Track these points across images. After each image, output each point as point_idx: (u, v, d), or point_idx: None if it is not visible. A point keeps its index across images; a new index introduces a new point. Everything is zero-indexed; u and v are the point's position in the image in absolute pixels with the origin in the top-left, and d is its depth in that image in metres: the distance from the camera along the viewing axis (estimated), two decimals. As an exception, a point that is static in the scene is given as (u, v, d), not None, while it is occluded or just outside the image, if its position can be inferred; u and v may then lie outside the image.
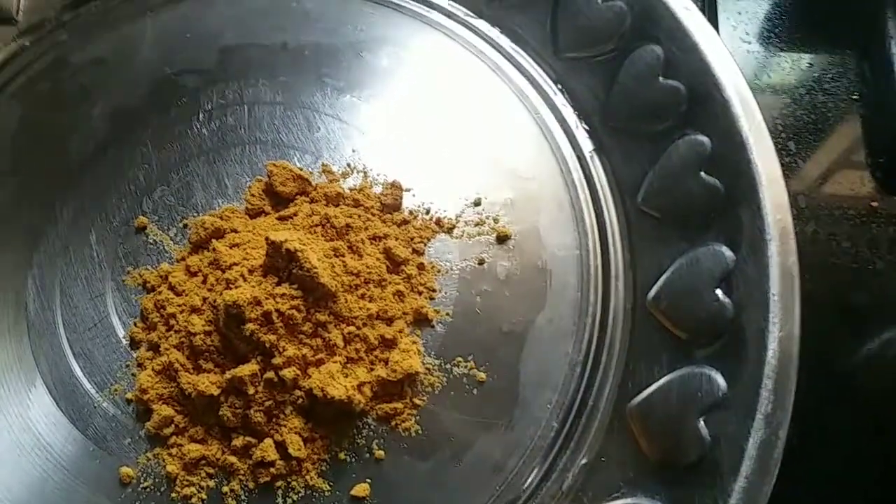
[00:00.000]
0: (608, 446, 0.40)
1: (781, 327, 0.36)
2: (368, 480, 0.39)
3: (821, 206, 0.49)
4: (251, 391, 0.39)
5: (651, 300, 0.42)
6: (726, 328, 0.38)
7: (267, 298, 0.39)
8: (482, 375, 0.42)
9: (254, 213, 0.46)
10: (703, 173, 0.41)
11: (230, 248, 0.43)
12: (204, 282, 0.43)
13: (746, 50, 0.55)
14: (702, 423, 0.37)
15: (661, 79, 0.44)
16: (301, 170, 0.46)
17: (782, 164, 0.47)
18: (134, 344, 0.43)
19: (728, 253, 0.39)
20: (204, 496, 0.39)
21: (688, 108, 0.43)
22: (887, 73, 0.51)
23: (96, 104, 0.50)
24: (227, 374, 0.39)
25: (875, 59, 0.52)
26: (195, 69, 0.51)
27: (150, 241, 0.45)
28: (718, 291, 0.39)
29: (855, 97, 0.53)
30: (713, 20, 0.54)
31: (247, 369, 0.39)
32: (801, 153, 0.50)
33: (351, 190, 0.46)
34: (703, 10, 0.53)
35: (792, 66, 0.54)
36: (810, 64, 0.53)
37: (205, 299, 0.42)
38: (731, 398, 0.36)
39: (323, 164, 0.47)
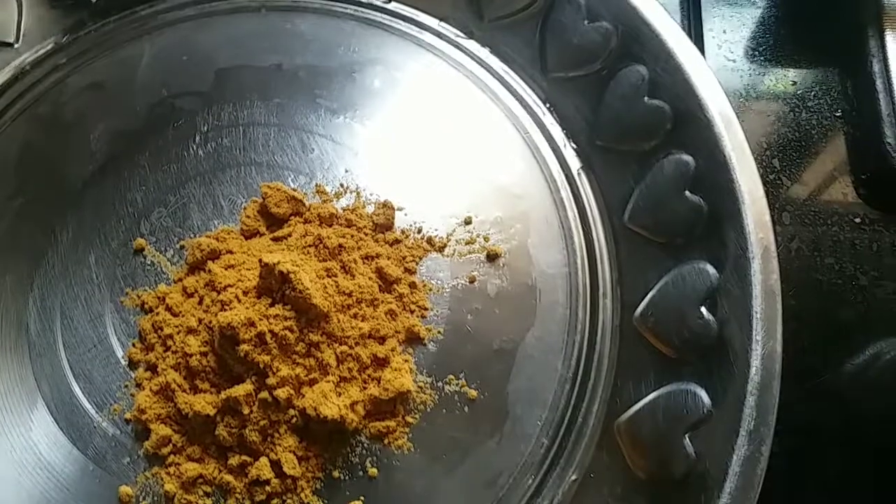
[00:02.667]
0: (597, 462, 0.41)
1: (764, 345, 0.37)
2: (362, 498, 0.40)
3: (805, 223, 0.49)
4: (246, 411, 0.40)
5: (638, 317, 0.43)
6: (711, 345, 0.39)
7: (261, 319, 0.40)
8: (473, 393, 0.42)
9: (249, 234, 0.47)
10: (687, 192, 0.42)
11: (225, 269, 0.44)
12: (200, 303, 0.44)
13: (731, 68, 0.56)
14: (687, 439, 0.37)
15: (646, 99, 0.45)
16: (295, 191, 0.47)
17: (767, 182, 0.48)
18: (132, 364, 0.44)
19: (712, 271, 0.40)
20: (201, 514, 0.40)
21: (673, 128, 0.44)
22: (870, 91, 0.51)
23: (95, 127, 0.51)
24: (223, 395, 0.40)
25: (858, 76, 0.53)
26: (191, 91, 0.52)
27: (148, 262, 0.46)
28: (703, 309, 0.40)
29: (838, 114, 0.53)
30: (698, 39, 0.55)
31: (242, 389, 0.40)
32: (785, 170, 0.51)
33: (344, 210, 0.47)
34: (688, 30, 0.55)
35: (776, 84, 0.54)
36: (794, 82, 0.54)
37: (201, 320, 0.43)
38: (716, 415, 0.37)
39: (317, 185, 0.48)
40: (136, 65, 0.53)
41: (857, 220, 0.49)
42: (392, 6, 0.55)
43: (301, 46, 0.53)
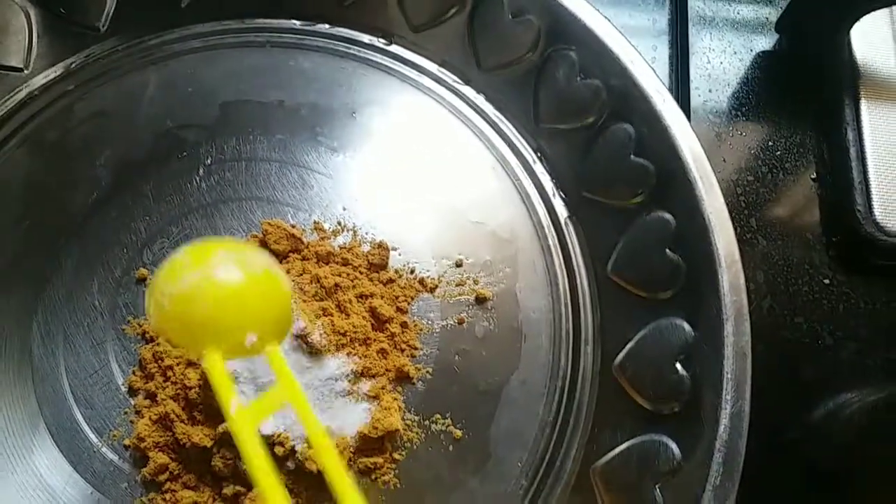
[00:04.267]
0: (573, 505, 0.43)
1: (733, 404, 0.39)
2: (349, 530, 0.42)
3: (778, 282, 0.52)
4: (242, 444, 0.42)
5: (617, 367, 0.45)
6: (684, 400, 0.41)
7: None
8: (458, 433, 0.45)
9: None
10: (667, 250, 0.44)
11: (226, 304, 0.46)
12: (200, 336, 0.45)
13: (715, 127, 0.58)
14: (658, 489, 0.40)
15: (632, 156, 0.47)
16: (294, 227, 0.49)
17: (743, 240, 0.50)
18: (132, 392, 0.45)
19: (687, 328, 0.43)
20: (195, 541, 0.42)
21: (656, 187, 0.46)
22: (844, 158, 0.54)
23: (100, 155, 0.52)
24: (220, 428, 0.42)
25: (832, 142, 0.55)
26: (196, 124, 0.53)
27: (150, 292, 0.48)
28: (678, 365, 0.42)
29: (813, 178, 0.56)
30: (685, 97, 0.57)
31: (239, 425, 0.42)
32: (761, 230, 0.53)
33: (340, 248, 0.49)
34: (675, 88, 0.57)
35: (756, 144, 0.57)
36: (773, 143, 0.56)
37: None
38: (685, 467, 0.39)
39: (315, 222, 0.50)
40: (141, 94, 0.54)
41: (826, 281, 0.52)
42: (393, 48, 0.56)
43: (304, 84, 0.55)
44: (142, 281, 0.48)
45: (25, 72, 0.55)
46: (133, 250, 0.49)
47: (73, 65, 0.55)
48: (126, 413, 0.45)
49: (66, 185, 0.51)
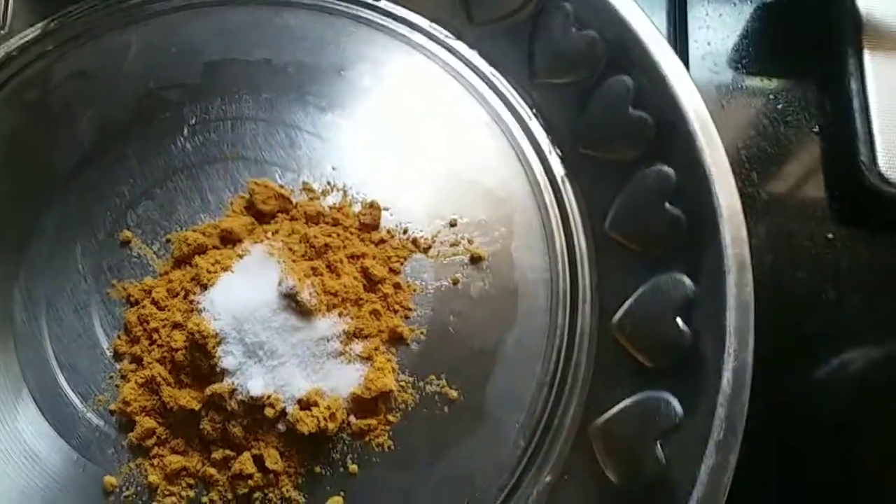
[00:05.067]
0: (572, 465, 0.42)
1: (736, 357, 0.38)
2: (342, 493, 0.41)
3: (780, 236, 0.51)
4: (230, 407, 0.41)
5: (615, 324, 0.44)
6: (685, 355, 0.40)
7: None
8: (454, 393, 0.44)
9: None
10: (667, 204, 0.43)
11: (212, 265, 0.44)
12: (185, 298, 0.44)
13: (714, 80, 0.57)
14: (659, 446, 0.39)
15: (630, 109, 0.46)
16: (282, 188, 0.47)
17: (745, 195, 0.49)
18: (118, 356, 0.44)
19: (688, 283, 0.42)
20: (184, 505, 0.41)
21: (655, 140, 0.45)
22: (845, 108, 0.53)
23: (82, 117, 0.50)
24: (207, 390, 0.41)
25: (834, 93, 0.54)
26: (179, 83, 0.52)
27: (134, 254, 0.47)
28: (678, 320, 0.41)
29: (815, 130, 0.55)
30: (684, 50, 0.56)
31: (226, 386, 0.41)
32: (763, 184, 0.52)
33: (330, 208, 0.48)
34: (674, 40, 0.55)
35: (757, 98, 0.56)
36: (774, 96, 0.55)
37: (187, 315, 0.43)
38: (687, 424, 0.39)
39: (304, 182, 0.49)
40: (123, 54, 0.53)
41: (830, 235, 0.51)
42: (383, 4, 0.55)
43: (291, 42, 0.53)
44: (126, 244, 0.47)
45: (2, 31, 0.53)
46: (117, 212, 0.48)
47: (52, 24, 0.54)
48: (111, 377, 0.44)
49: (47, 147, 0.50)
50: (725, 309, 0.39)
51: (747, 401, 0.37)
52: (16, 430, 0.42)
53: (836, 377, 0.47)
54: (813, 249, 0.50)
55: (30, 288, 0.46)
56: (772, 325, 0.43)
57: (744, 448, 0.36)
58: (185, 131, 0.50)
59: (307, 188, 0.48)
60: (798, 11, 0.59)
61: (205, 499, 0.41)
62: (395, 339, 0.45)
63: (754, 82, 0.56)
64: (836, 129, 0.54)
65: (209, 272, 0.44)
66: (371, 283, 0.45)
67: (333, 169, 0.49)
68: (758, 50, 0.57)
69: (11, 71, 0.52)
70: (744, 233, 0.40)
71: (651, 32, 0.46)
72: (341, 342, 0.43)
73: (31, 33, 0.53)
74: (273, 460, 0.41)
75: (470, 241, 0.48)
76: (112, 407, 0.43)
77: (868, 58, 0.53)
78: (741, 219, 0.41)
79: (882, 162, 0.50)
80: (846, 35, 0.54)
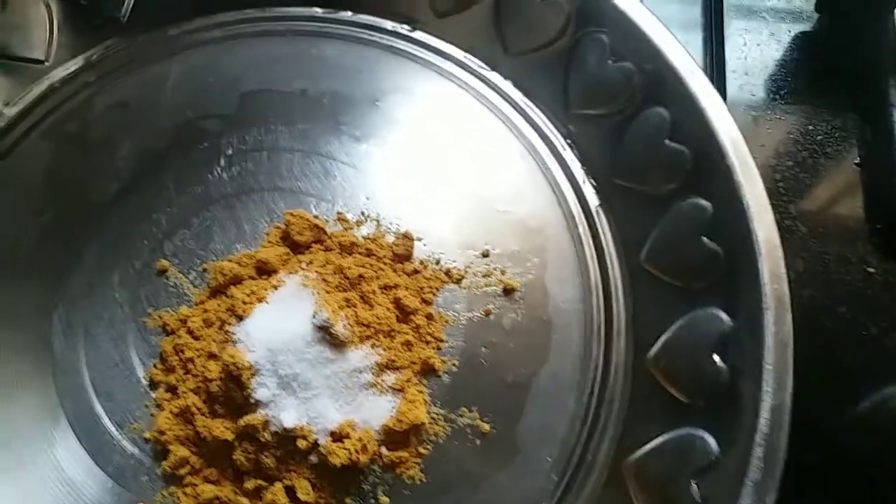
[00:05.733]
0: (604, 501, 0.42)
1: (774, 396, 0.37)
2: (373, 525, 0.41)
3: (819, 271, 0.50)
4: (263, 438, 0.41)
5: (651, 359, 0.44)
6: (722, 392, 0.39)
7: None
8: (486, 426, 0.43)
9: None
10: (704, 238, 0.43)
11: (247, 295, 0.45)
12: (221, 328, 0.45)
13: (752, 111, 0.56)
14: (694, 484, 0.38)
15: (667, 141, 0.45)
16: (317, 218, 0.48)
17: (783, 227, 0.48)
18: (153, 385, 0.45)
19: (725, 318, 0.41)
20: (216, 535, 0.41)
21: (692, 172, 0.44)
22: (888, 140, 0.52)
23: (121, 146, 0.51)
24: (241, 422, 0.41)
25: (876, 124, 0.53)
26: (217, 114, 0.53)
27: (171, 283, 0.47)
28: (715, 356, 0.40)
29: (856, 162, 0.54)
30: (721, 81, 0.55)
31: (259, 418, 0.41)
32: (801, 217, 0.52)
33: (364, 238, 0.48)
34: (711, 72, 0.55)
35: (795, 128, 0.55)
36: (813, 126, 0.55)
37: (222, 346, 0.44)
38: (723, 462, 0.38)
39: (338, 212, 0.49)
40: (162, 85, 0.54)
41: (870, 269, 0.50)
42: (417, 35, 0.55)
43: (325, 72, 0.54)
44: (163, 273, 0.47)
45: (46, 64, 0.54)
46: (154, 242, 0.48)
47: (94, 56, 0.55)
48: (147, 406, 0.44)
49: (87, 177, 0.51)
50: (763, 347, 0.38)
51: (786, 440, 0.36)
52: (53, 457, 0.43)
53: (878, 412, 0.45)
54: (853, 284, 0.49)
55: (68, 316, 0.46)
56: (811, 360, 0.42)
57: (781, 485, 0.36)
58: (222, 161, 0.51)
59: (341, 218, 0.49)
60: (838, 41, 0.58)
61: (237, 529, 0.41)
62: (427, 371, 0.44)
63: (792, 112, 0.56)
64: (876, 160, 0.53)
65: (245, 303, 0.44)
66: (404, 313, 0.45)
67: (367, 199, 0.50)
68: (796, 80, 0.57)
69: (54, 102, 0.54)
70: (782, 269, 0.40)
71: (688, 64, 0.45)
72: (373, 374, 0.43)
73: (73, 65, 0.55)
74: (305, 491, 0.41)
75: (503, 272, 0.47)
76: (147, 435, 0.43)
77: (911, 89, 0.52)
78: (780, 254, 0.40)
79: (924, 197, 0.49)
80: (887, 64, 0.53)
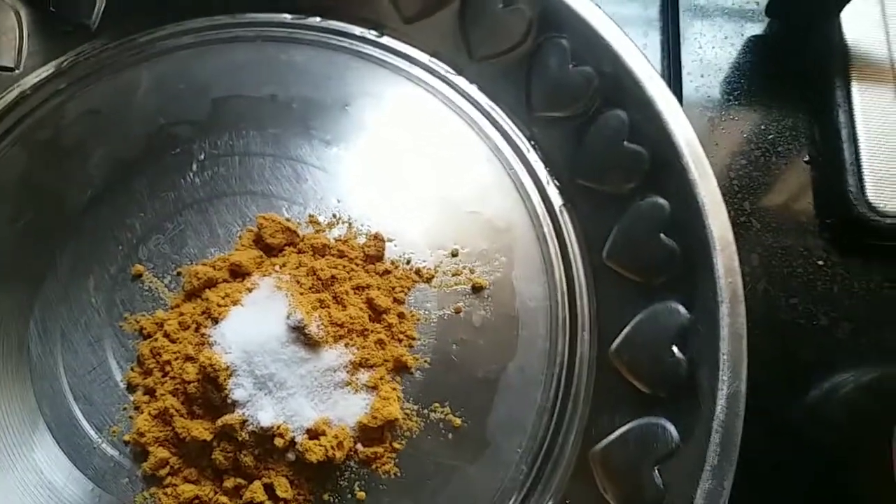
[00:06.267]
0: (573, 490, 0.43)
1: (730, 385, 0.39)
2: (351, 520, 0.43)
3: (772, 265, 0.52)
4: (241, 437, 0.42)
5: (613, 352, 0.45)
6: (681, 383, 0.41)
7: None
8: (457, 421, 0.45)
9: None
10: (662, 235, 0.45)
11: (222, 298, 0.46)
12: (197, 330, 0.46)
13: (708, 111, 0.58)
14: (656, 471, 0.40)
15: (626, 143, 0.47)
16: (289, 221, 0.49)
17: (737, 224, 0.50)
18: (131, 388, 0.46)
19: (683, 311, 0.43)
20: (197, 534, 0.42)
21: (650, 172, 0.46)
22: (834, 138, 0.54)
23: (93, 153, 0.52)
24: (219, 422, 0.42)
25: (824, 124, 0.56)
26: (188, 119, 0.53)
27: (146, 288, 0.48)
28: (674, 348, 0.42)
29: (806, 160, 0.56)
30: (677, 84, 0.57)
31: (237, 417, 0.42)
32: (755, 213, 0.54)
33: (336, 240, 0.49)
34: (668, 75, 0.57)
35: (748, 128, 0.57)
36: (765, 126, 0.57)
37: (198, 348, 0.45)
38: (683, 449, 0.40)
39: (310, 215, 0.50)
40: (133, 92, 0.54)
41: (821, 262, 0.52)
42: (384, 40, 0.56)
43: (295, 78, 0.55)
44: (138, 277, 0.48)
45: (17, 71, 0.55)
46: (128, 247, 0.49)
47: (65, 63, 0.55)
48: (125, 409, 0.45)
49: (60, 183, 0.51)
50: (719, 338, 0.40)
51: (742, 427, 0.38)
52: (33, 462, 0.44)
53: (829, 400, 0.48)
54: (805, 276, 0.52)
55: (45, 322, 0.47)
56: (765, 350, 0.44)
57: (739, 472, 0.38)
58: (195, 166, 0.52)
59: (313, 221, 0.50)
60: (788, 44, 0.60)
61: (217, 527, 0.42)
62: (400, 368, 0.46)
63: (746, 113, 0.58)
64: (825, 158, 0.55)
65: (220, 306, 0.45)
66: (376, 313, 0.47)
67: (338, 201, 0.51)
68: (749, 82, 0.59)
69: (25, 110, 0.54)
70: (736, 264, 0.42)
71: (645, 68, 0.47)
72: (348, 372, 0.44)
73: (44, 72, 0.55)
74: (283, 489, 0.42)
75: (472, 271, 0.49)
76: (126, 438, 0.44)
77: (856, 89, 0.55)
78: (734, 250, 0.42)
79: (870, 192, 0.51)
80: (835, 67, 0.56)
